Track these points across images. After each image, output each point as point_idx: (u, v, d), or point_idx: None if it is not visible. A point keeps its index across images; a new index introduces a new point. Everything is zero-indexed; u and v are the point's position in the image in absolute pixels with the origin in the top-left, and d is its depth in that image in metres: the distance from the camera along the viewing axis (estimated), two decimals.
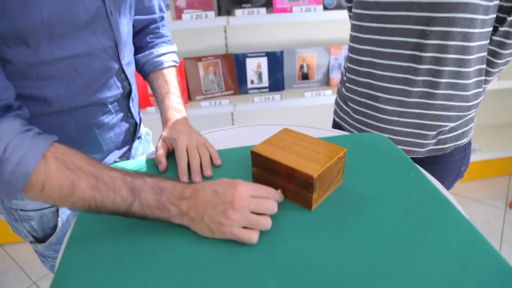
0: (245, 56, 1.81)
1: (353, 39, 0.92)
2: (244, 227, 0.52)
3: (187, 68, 1.78)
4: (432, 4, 0.75)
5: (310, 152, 0.60)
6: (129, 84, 0.77)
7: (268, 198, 0.54)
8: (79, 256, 0.52)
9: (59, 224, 0.75)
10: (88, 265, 0.51)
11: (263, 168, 0.62)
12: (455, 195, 2.25)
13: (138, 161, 0.74)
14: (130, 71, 0.77)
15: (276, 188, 0.58)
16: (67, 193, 0.51)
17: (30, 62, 0.60)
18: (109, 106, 0.73)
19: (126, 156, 0.85)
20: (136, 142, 0.90)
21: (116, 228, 0.56)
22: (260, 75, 1.84)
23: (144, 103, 1.73)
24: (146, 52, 0.87)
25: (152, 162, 0.73)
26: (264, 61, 1.82)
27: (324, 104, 1.80)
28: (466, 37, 0.77)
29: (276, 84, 1.86)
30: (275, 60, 1.82)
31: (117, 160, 0.80)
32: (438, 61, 0.80)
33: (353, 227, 0.55)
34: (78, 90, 0.66)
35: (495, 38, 0.83)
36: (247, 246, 0.52)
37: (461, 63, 0.80)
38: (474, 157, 2.17)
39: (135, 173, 0.55)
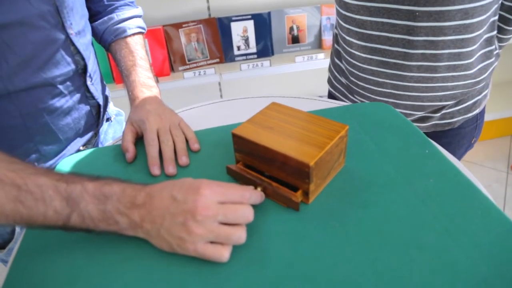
0: (229, 19, 1.66)
1: (338, 13, 0.78)
2: (212, 242, 0.41)
3: (167, 36, 1.63)
4: None
5: (305, 132, 0.49)
6: (83, 59, 0.64)
7: (241, 203, 0.43)
8: (27, 271, 0.42)
9: (17, 229, 0.64)
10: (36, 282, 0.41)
11: (248, 154, 0.51)
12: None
13: (102, 149, 0.63)
14: (83, 42, 0.64)
15: (264, 177, 0.48)
16: None
17: None
18: (59, 86, 0.60)
19: (92, 143, 0.73)
20: (105, 125, 0.78)
21: (73, 238, 0.45)
22: (247, 40, 1.70)
23: (120, 77, 1.60)
24: (105, 18, 0.73)
25: (119, 150, 0.62)
26: (250, 24, 1.67)
27: (317, 68, 1.67)
28: (468, 13, 0.64)
29: (265, 49, 1.71)
30: (263, 22, 1.67)
31: (80, 148, 0.69)
32: (433, 44, 0.67)
33: (359, 222, 0.45)
34: (13, 69, 0.54)
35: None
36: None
37: (463, 43, 0.68)
38: None
39: (73, 177, 0.43)
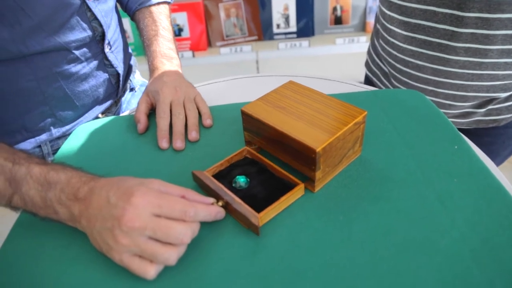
0: None
1: None
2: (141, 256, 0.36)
3: (206, 11, 1.61)
4: None
5: (318, 115, 0.45)
6: (101, 25, 0.62)
7: (181, 220, 0.37)
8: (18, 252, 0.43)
9: None
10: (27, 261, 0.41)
11: (256, 133, 0.48)
12: None
13: (117, 118, 0.62)
14: (102, 8, 0.62)
15: (228, 191, 0.42)
16: None
17: None
18: (75, 52, 0.59)
19: (113, 112, 0.73)
20: (129, 95, 0.77)
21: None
22: (287, 19, 1.64)
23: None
24: None
25: (132, 120, 0.61)
26: (292, 2, 1.61)
27: (359, 52, 1.59)
28: None
29: (305, 29, 1.65)
30: (305, 1, 1.60)
31: (99, 116, 0.69)
32: (487, 23, 0.59)
33: (366, 218, 0.41)
34: (27, 32, 0.53)
35: None
36: (222, 237, 0.40)
37: None
38: None
39: (21, 158, 0.41)
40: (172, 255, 0.36)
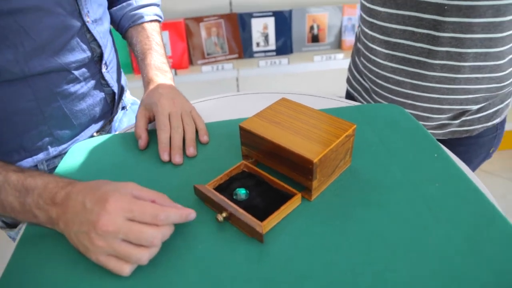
0: (250, 16, 1.66)
1: (363, 7, 0.77)
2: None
3: (188, 30, 1.65)
4: None
5: (312, 129, 0.49)
6: (99, 46, 0.65)
7: (153, 224, 0.40)
8: (32, 251, 0.44)
9: None
10: (41, 260, 0.42)
11: (254, 148, 0.52)
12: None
13: (114, 136, 0.64)
14: (100, 30, 0.65)
15: (231, 202, 0.45)
16: None
17: None
18: (75, 72, 0.62)
19: (106, 130, 0.75)
20: (120, 114, 0.79)
21: None
22: (266, 37, 1.70)
23: (135, 69, 1.62)
24: (123, 4, 0.74)
25: (131, 137, 0.63)
26: (271, 21, 1.67)
27: (336, 69, 1.66)
28: (500, 10, 0.62)
29: (284, 47, 1.71)
30: (283, 20, 1.66)
31: (94, 135, 0.70)
32: (459, 42, 0.66)
33: (360, 222, 0.44)
34: (29, 54, 0.55)
35: None
36: (228, 245, 0.43)
37: (491, 42, 0.65)
38: None
39: (0, 166, 0.44)
40: (144, 256, 0.39)
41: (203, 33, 1.68)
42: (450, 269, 0.39)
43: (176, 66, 1.67)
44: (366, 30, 0.76)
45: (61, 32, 0.57)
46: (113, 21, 0.75)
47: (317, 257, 0.41)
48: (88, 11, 0.61)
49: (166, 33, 1.63)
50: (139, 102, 0.89)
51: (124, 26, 0.75)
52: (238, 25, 1.68)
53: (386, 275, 0.39)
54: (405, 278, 0.38)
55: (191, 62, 1.71)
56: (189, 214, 0.43)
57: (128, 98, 0.83)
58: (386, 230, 0.43)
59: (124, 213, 0.39)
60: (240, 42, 1.70)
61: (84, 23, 0.61)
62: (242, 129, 0.51)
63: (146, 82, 0.66)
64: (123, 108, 0.80)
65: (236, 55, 1.72)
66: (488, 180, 2.04)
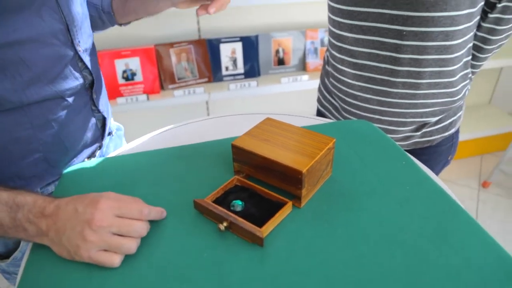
0: (219, 41, 1.73)
1: (331, 33, 0.86)
2: (106, 250, 0.46)
3: (158, 55, 1.69)
4: (408, 2, 0.70)
5: (297, 144, 0.55)
6: (91, 74, 0.69)
7: (138, 219, 0.48)
8: (40, 273, 0.46)
9: (22, 243, 0.67)
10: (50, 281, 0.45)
11: (246, 163, 0.57)
12: None
13: (105, 159, 0.68)
14: (92, 59, 0.69)
15: (230, 212, 0.51)
16: None
17: None
18: (68, 99, 0.65)
19: (96, 156, 0.78)
20: (107, 139, 0.82)
21: None
22: (235, 61, 1.77)
23: (113, 94, 1.64)
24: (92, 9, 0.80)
25: (121, 160, 0.66)
26: (239, 46, 1.75)
27: (302, 89, 1.76)
28: (448, 36, 0.73)
29: (252, 70, 1.79)
30: (250, 45, 1.75)
31: (85, 159, 0.73)
32: (417, 62, 0.76)
33: (346, 223, 0.51)
34: (27, 83, 0.58)
35: (484, 27, 0.79)
36: (231, 251, 0.48)
37: (444, 62, 0.76)
38: None
39: None
40: (133, 245, 0.46)
41: (173, 59, 1.73)
42: (423, 257, 0.45)
43: (147, 91, 1.70)
44: (335, 54, 0.85)
45: (56, 61, 0.61)
46: (100, 20, 0.80)
47: (312, 256, 0.46)
48: (79, 41, 0.65)
49: (137, 60, 1.67)
50: (122, 127, 0.92)
51: (106, 5, 0.80)
52: (208, 50, 1.74)
53: (371, 267, 0.45)
54: (388, 267, 0.44)
55: (162, 87, 1.75)
56: (163, 211, 0.53)
57: (113, 124, 0.86)
58: (367, 229, 0.50)
59: (114, 210, 0.46)
60: (209, 67, 1.77)
61: (76, 52, 0.65)
62: (234, 147, 0.57)
63: None
64: (109, 133, 0.83)
65: (206, 79, 1.77)
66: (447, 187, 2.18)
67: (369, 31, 0.76)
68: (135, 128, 1.56)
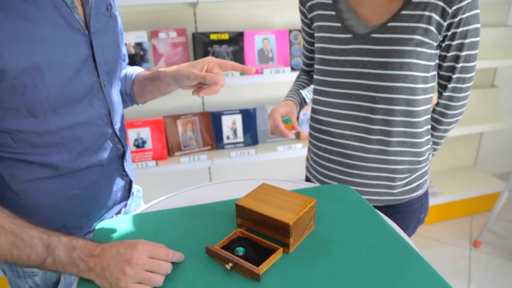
0: (221, 113, 1.95)
1: (315, 101, 1.06)
2: (140, 283, 0.59)
3: (166, 126, 1.89)
4: (377, 74, 0.91)
5: (286, 203, 0.71)
6: (123, 146, 0.87)
7: (165, 260, 0.62)
8: None
9: (62, 278, 0.80)
10: None
11: (247, 218, 0.72)
12: (422, 237, 2.38)
13: (129, 216, 0.82)
14: (123, 135, 0.87)
15: (234, 255, 0.65)
16: None
17: (37, 131, 0.70)
18: (106, 166, 0.82)
19: (121, 212, 0.93)
20: (130, 199, 0.98)
21: None
22: (235, 131, 1.97)
23: None
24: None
25: (143, 217, 0.81)
26: (238, 118, 1.96)
27: (296, 156, 1.94)
28: (410, 102, 0.92)
29: (251, 139, 1.99)
30: (249, 116, 1.96)
31: (114, 216, 0.88)
32: (387, 122, 0.94)
33: (324, 264, 0.65)
34: (79, 154, 0.76)
35: (441, 103, 0.99)
36: (235, 285, 0.61)
37: (409, 124, 0.95)
38: (437, 200, 2.34)
39: (52, 232, 0.64)
40: (160, 279, 0.61)
41: (180, 129, 1.93)
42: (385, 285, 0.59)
43: (156, 157, 1.88)
44: (321, 118, 1.04)
45: (100, 137, 0.79)
46: (122, 99, 0.97)
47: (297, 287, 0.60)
48: (116, 121, 0.84)
49: (147, 130, 1.87)
50: (141, 189, 1.08)
51: (128, 87, 0.97)
52: (211, 121, 1.95)
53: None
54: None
55: (169, 154, 1.93)
56: (182, 256, 0.66)
57: (135, 186, 1.03)
58: (341, 268, 0.64)
59: (147, 252, 0.61)
60: (212, 136, 1.97)
61: (113, 130, 0.83)
62: (238, 206, 0.72)
63: (171, 69, 0.88)
64: (131, 194, 0.99)
65: (209, 147, 1.96)
66: (439, 248, 2.27)
67: (350, 97, 0.95)
68: (145, 190, 1.71)
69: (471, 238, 2.35)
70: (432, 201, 2.33)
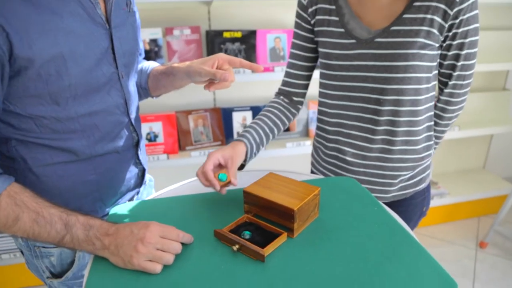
0: (231, 110, 1.99)
1: (321, 103, 1.09)
2: (151, 261, 0.63)
3: (178, 121, 1.94)
4: (382, 77, 0.93)
5: (291, 191, 0.75)
6: (137, 135, 0.91)
7: (175, 240, 0.66)
8: (101, 276, 0.64)
9: (77, 259, 0.85)
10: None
11: (254, 204, 0.76)
12: (428, 237, 2.39)
13: (140, 201, 0.87)
14: (138, 124, 0.92)
15: (240, 238, 0.69)
16: (11, 224, 0.65)
17: (59, 118, 0.75)
18: (121, 153, 0.87)
19: (134, 199, 0.97)
20: (143, 187, 1.02)
21: None
22: (245, 127, 2.01)
23: None
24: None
25: (154, 203, 0.85)
26: (249, 114, 2.00)
27: (305, 153, 1.97)
28: (414, 103, 0.95)
29: None
30: (259, 113, 2.00)
31: (126, 202, 0.92)
32: (392, 123, 0.97)
33: (326, 248, 0.68)
34: (96, 141, 0.80)
35: (442, 99, 1.01)
36: (241, 264, 0.65)
37: (412, 123, 0.97)
38: (444, 201, 2.35)
39: (71, 211, 0.68)
40: (171, 258, 0.64)
41: (191, 124, 1.98)
42: (381, 269, 0.62)
43: (168, 151, 1.92)
44: (328, 119, 1.07)
45: (116, 126, 0.84)
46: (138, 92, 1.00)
47: (300, 269, 0.64)
48: (132, 111, 0.88)
49: (159, 124, 1.91)
50: (153, 179, 1.13)
51: (143, 80, 1.01)
52: (221, 117, 1.99)
53: (344, 275, 0.62)
54: (356, 275, 0.61)
55: (180, 148, 1.97)
56: (192, 238, 0.71)
57: (147, 175, 1.07)
58: (342, 252, 0.67)
59: (159, 233, 0.65)
60: (223, 131, 2.01)
61: (129, 119, 0.87)
62: (245, 192, 0.76)
63: (183, 64, 0.90)
64: (144, 183, 1.03)
65: (219, 142, 2.00)
66: (445, 247, 2.29)
67: (355, 99, 0.98)
68: (156, 182, 1.76)
69: (478, 239, 2.35)
70: (439, 202, 2.34)
